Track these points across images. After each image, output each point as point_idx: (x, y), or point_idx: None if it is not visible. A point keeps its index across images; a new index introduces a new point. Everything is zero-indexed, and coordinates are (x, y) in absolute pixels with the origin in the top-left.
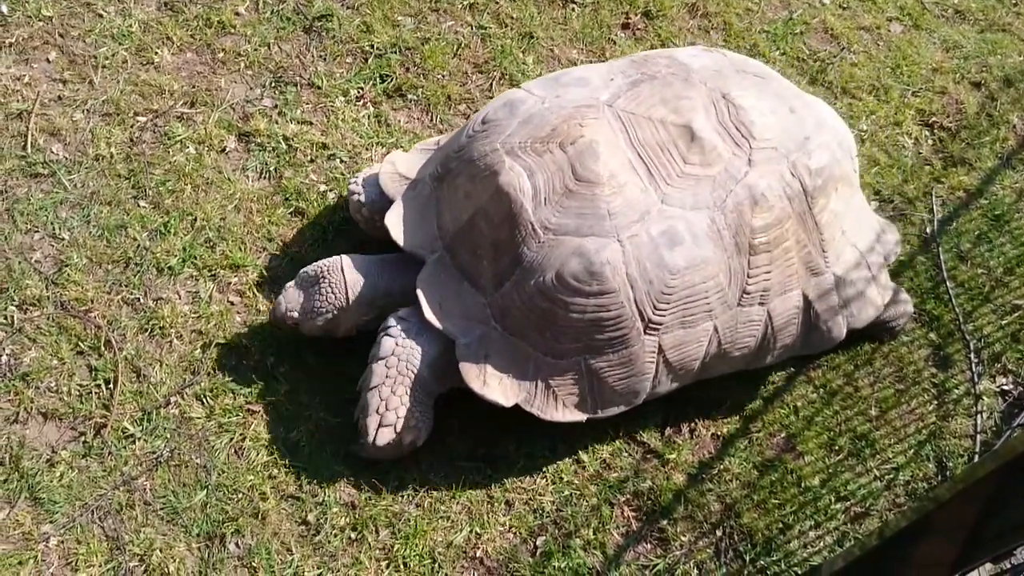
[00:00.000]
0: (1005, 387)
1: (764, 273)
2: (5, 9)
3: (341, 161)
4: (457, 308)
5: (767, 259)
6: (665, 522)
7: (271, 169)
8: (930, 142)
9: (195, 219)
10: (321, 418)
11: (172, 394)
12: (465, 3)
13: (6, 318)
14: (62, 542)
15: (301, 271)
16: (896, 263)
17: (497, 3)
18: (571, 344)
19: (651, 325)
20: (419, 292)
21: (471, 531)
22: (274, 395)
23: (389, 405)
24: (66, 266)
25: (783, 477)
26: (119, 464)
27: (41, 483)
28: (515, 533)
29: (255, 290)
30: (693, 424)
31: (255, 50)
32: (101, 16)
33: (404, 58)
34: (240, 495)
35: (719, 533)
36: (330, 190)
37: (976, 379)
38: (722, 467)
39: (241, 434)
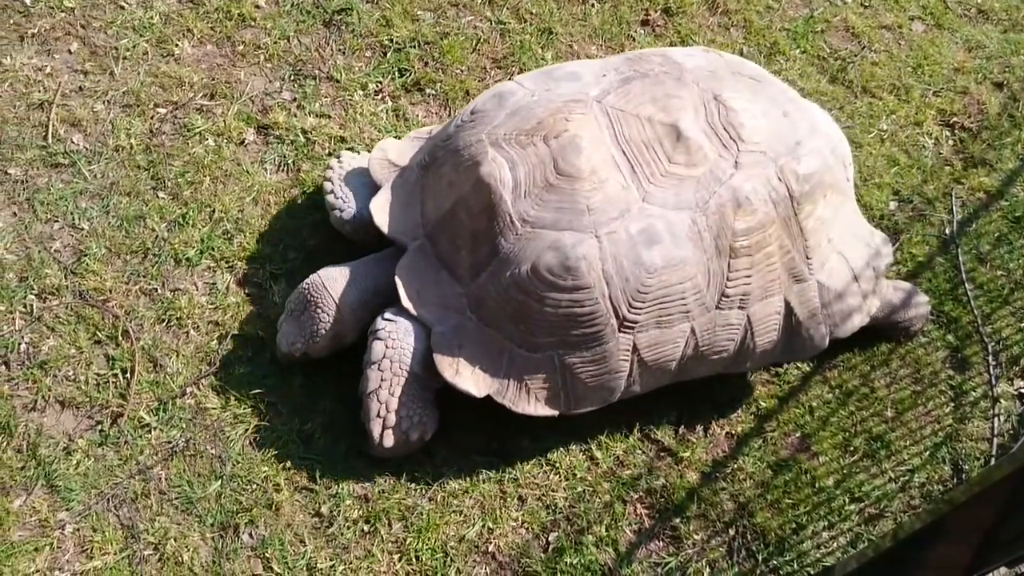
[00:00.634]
0: (1023, 390)
1: (744, 277)
2: (28, 0)
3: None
4: (434, 296)
5: (748, 263)
6: (678, 520)
7: (289, 162)
8: (951, 142)
9: (213, 211)
10: (335, 411)
11: (188, 384)
12: None
13: (26, 307)
14: (78, 529)
15: (287, 302)
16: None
17: None
18: (545, 338)
19: (626, 323)
20: (398, 279)
21: (483, 526)
22: (289, 387)
23: (389, 407)
24: (85, 256)
25: (797, 477)
26: (135, 453)
27: (58, 471)
28: (527, 528)
29: (272, 282)
30: (707, 423)
31: (275, 43)
32: (122, 7)
33: (423, 52)
34: (254, 486)
35: (732, 532)
36: None
37: (994, 382)
38: (736, 466)
39: (256, 425)
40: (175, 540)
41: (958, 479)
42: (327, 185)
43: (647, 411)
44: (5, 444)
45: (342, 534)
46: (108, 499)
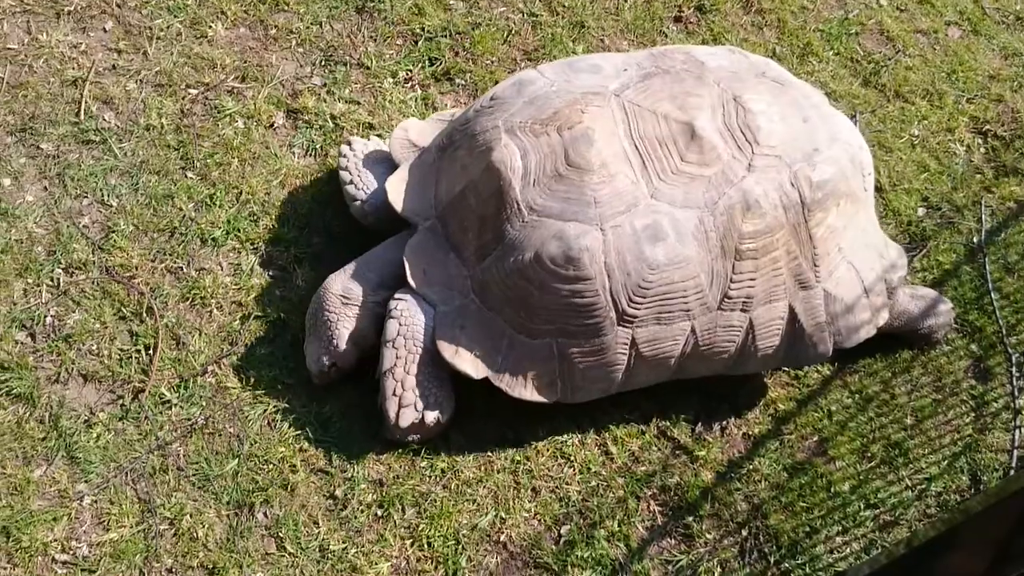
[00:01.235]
0: None
1: (749, 280)
2: None
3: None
4: (440, 277)
5: (753, 266)
6: (691, 518)
7: (317, 147)
8: (982, 150)
9: (240, 192)
10: (353, 396)
11: (210, 363)
12: None
13: (53, 280)
14: (95, 501)
15: (305, 325)
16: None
17: None
18: (544, 326)
19: (625, 317)
20: (405, 258)
21: (496, 515)
22: (308, 371)
23: (405, 385)
24: (113, 232)
25: (813, 481)
26: (155, 429)
27: (78, 443)
28: (540, 520)
29: (296, 266)
30: (725, 422)
31: (307, 28)
32: None
33: (454, 42)
34: (271, 466)
35: (744, 533)
36: None
37: (1016, 393)
38: (751, 467)
39: (275, 406)
40: (191, 516)
41: (976, 490)
42: (344, 175)
43: (664, 408)
44: (28, 415)
45: (355, 517)
46: (126, 473)
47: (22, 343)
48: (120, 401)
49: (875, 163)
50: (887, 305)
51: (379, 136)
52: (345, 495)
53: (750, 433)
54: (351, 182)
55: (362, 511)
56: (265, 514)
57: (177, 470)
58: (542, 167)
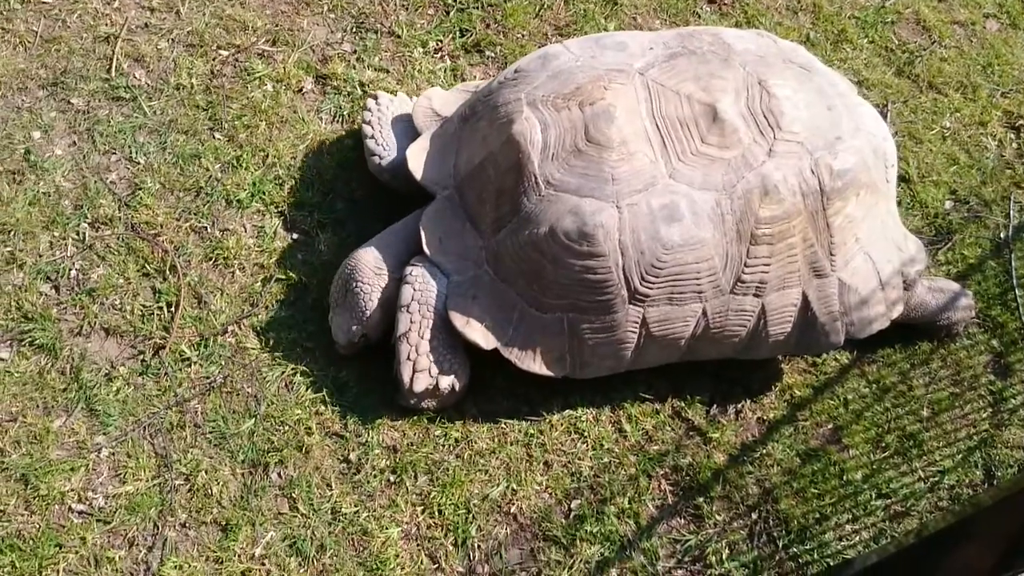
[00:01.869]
0: None
1: (763, 265)
2: None
3: None
4: (456, 247)
5: (768, 251)
6: (701, 499)
7: (344, 113)
8: (1015, 145)
9: (267, 155)
10: (370, 362)
11: (230, 323)
12: None
13: (78, 234)
14: (113, 454)
15: (329, 299)
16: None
17: None
18: (556, 300)
19: (637, 296)
20: (422, 226)
21: (508, 487)
22: (327, 335)
23: (419, 350)
24: (139, 189)
25: (825, 468)
26: (173, 385)
27: (98, 396)
28: (551, 494)
29: (319, 231)
30: (740, 406)
31: None
32: None
33: (486, 14)
34: (286, 427)
35: (754, 516)
36: None
37: None
38: (764, 451)
39: (292, 368)
40: (206, 472)
41: (989, 485)
42: (367, 129)
43: (679, 389)
44: (49, 366)
45: (368, 482)
46: (144, 427)
47: (46, 295)
48: (141, 356)
49: (904, 154)
50: (902, 299)
51: (406, 94)
52: (359, 459)
53: (765, 418)
54: (372, 137)
55: (375, 476)
56: (279, 474)
57: (194, 427)
58: (562, 142)
